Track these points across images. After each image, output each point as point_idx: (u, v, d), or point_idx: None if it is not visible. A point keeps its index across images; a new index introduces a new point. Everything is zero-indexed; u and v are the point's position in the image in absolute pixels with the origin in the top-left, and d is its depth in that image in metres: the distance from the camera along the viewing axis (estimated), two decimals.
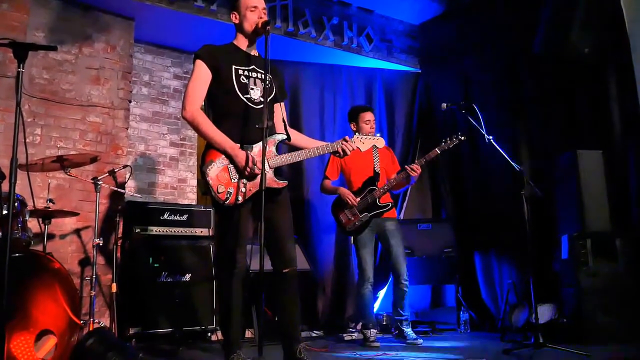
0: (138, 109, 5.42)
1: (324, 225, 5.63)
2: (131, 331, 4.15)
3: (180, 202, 5.40)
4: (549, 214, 4.67)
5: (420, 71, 6.44)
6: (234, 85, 2.89)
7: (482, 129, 3.91)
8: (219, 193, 2.79)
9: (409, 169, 4.23)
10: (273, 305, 3.15)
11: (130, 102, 5.07)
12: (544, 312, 4.35)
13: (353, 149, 3.05)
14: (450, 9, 6.12)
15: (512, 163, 3.84)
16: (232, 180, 2.81)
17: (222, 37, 5.29)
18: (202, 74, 2.90)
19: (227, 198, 2.79)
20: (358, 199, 4.32)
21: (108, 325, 4.00)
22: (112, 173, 4.06)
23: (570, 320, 4.18)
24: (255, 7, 2.98)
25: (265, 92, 2.81)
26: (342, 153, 3.03)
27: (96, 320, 3.76)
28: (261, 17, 2.97)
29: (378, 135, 3.31)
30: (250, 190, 2.82)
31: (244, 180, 2.82)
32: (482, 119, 3.96)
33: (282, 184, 2.92)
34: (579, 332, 4.01)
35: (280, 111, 3.08)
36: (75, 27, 4.75)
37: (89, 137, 4.71)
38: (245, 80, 2.92)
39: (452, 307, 5.42)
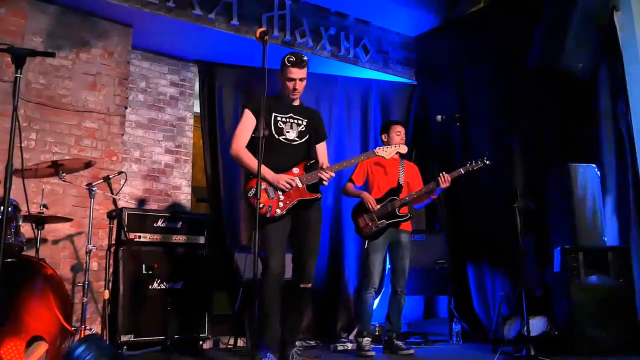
0: (134, 116, 5.42)
1: None
2: (123, 338, 4.13)
3: (175, 209, 5.39)
4: (542, 227, 4.69)
5: (415, 83, 6.48)
6: (271, 129, 3.51)
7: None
8: (260, 209, 3.21)
9: (441, 178, 4.26)
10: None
11: (126, 108, 5.08)
12: (536, 325, 4.35)
13: (331, 176, 3.48)
14: (446, 22, 6.17)
15: None
16: (270, 198, 3.39)
17: (219, 45, 5.40)
18: (248, 121, 3.54)
19: (267, 212, 3.35)
20: (378, 206, 4.38)
21: (99, 332, 3.97)
22: (106, 179, 4.05)
23: (562, 333, 4.19)
24: (293, 79, 3.51)
25: (263, 106, 3.19)
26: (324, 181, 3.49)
27: (88, 327, 3.73)
28: (295, 88, 3.53)
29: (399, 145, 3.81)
30: (287, 203, 3.40)
31: (281, 197, 3.40)
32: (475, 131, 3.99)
33: (314, 195, 3.49)
34: (570, 344, 4.02)
35: (320, 149, 3.70)
36: (73, 32, 4.75)
37: (84, 142, 4.71)
38: (282, 125, 3.55)
39: (445, 319, 5.41)
